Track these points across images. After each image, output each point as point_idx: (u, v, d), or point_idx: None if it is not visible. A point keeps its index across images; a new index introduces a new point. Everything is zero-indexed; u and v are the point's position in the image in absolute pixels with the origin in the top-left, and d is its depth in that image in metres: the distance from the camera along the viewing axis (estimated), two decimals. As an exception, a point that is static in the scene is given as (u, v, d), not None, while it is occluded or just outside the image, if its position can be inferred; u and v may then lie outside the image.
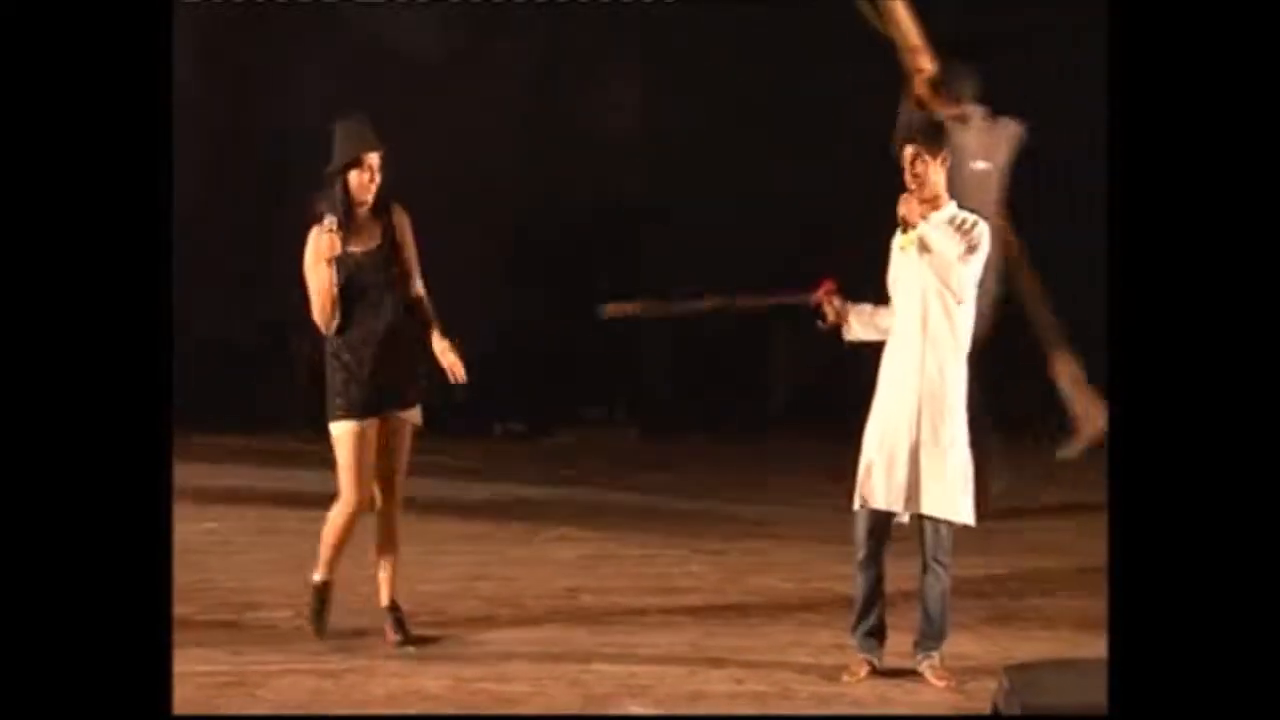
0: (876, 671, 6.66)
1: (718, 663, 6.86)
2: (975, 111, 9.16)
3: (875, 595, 6.69)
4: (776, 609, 7.60)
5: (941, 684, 6.57)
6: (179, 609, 7.38)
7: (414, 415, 7.07)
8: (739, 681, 6.66)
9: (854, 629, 6.73)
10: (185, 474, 9.69)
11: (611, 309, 8.16)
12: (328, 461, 7.19)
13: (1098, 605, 7.55)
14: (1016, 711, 5.50)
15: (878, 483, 6.62)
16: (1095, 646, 6.91)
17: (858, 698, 6.52)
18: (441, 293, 7.26)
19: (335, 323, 6.94)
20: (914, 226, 6.56)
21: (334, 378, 6.97)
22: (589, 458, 10.57)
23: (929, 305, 6.62)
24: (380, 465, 7.02)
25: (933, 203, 6.59)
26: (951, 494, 6.59)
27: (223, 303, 10.93)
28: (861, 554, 6.69)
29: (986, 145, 9.12)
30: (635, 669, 6.77)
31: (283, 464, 10.46)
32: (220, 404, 10.03)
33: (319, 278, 6.91)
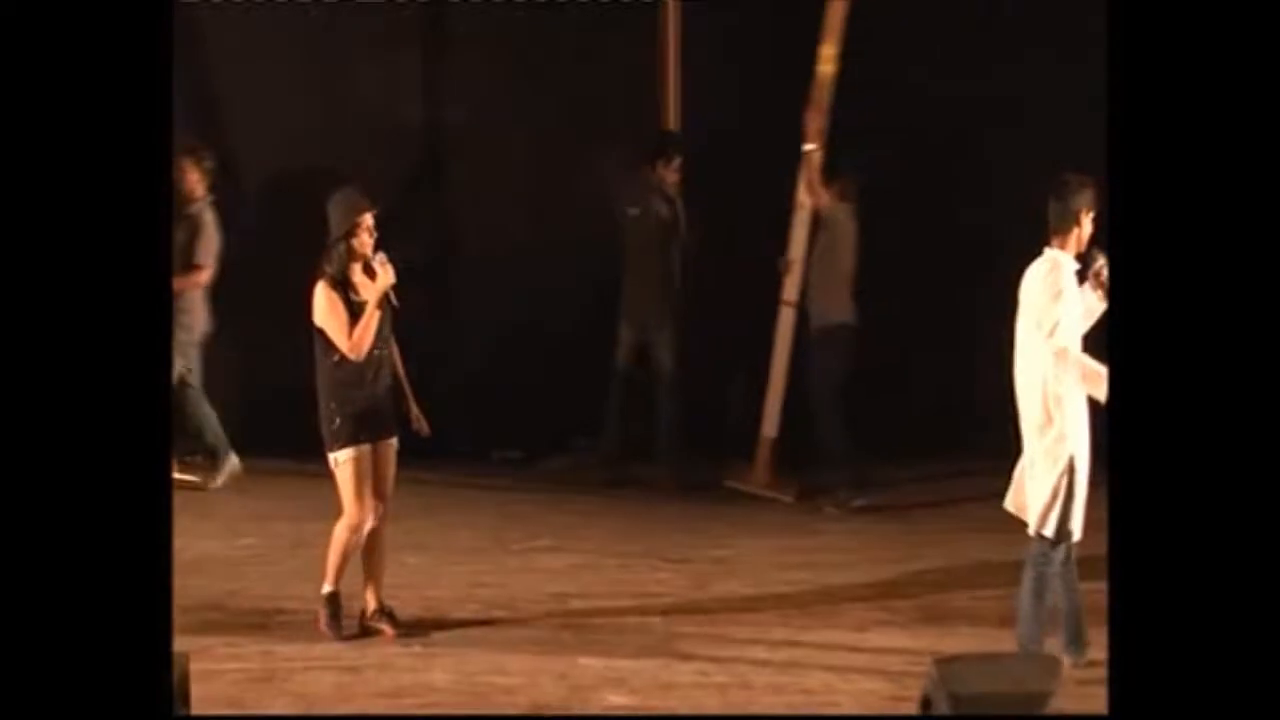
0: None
1: (686, 657, 6.89)
2: None
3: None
4: (737, 611, 7.60)
5: None
6: (215, 615, 7.30)
7: (395, 440, 7.18)
8: (704, 674, 6.68)
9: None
10: (226, 494, 9.55)
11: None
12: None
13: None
14: (944, 700, 5.48)
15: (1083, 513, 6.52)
16: (1015, 642, 6.93)
17: (808, 687, 6.52)
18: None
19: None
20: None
21: (340, 408, 7.02)
22: (577, 481, 10.40)
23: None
24: (374, 485, 7.08)
25: None
26: None
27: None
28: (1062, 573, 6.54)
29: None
30: (615, 663, 6.79)
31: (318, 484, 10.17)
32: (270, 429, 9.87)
33: (342, 319, 6.93)
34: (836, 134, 9.67)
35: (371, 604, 7.16)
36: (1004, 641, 6.87)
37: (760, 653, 6.91)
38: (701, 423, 10.21)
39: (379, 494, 7.11)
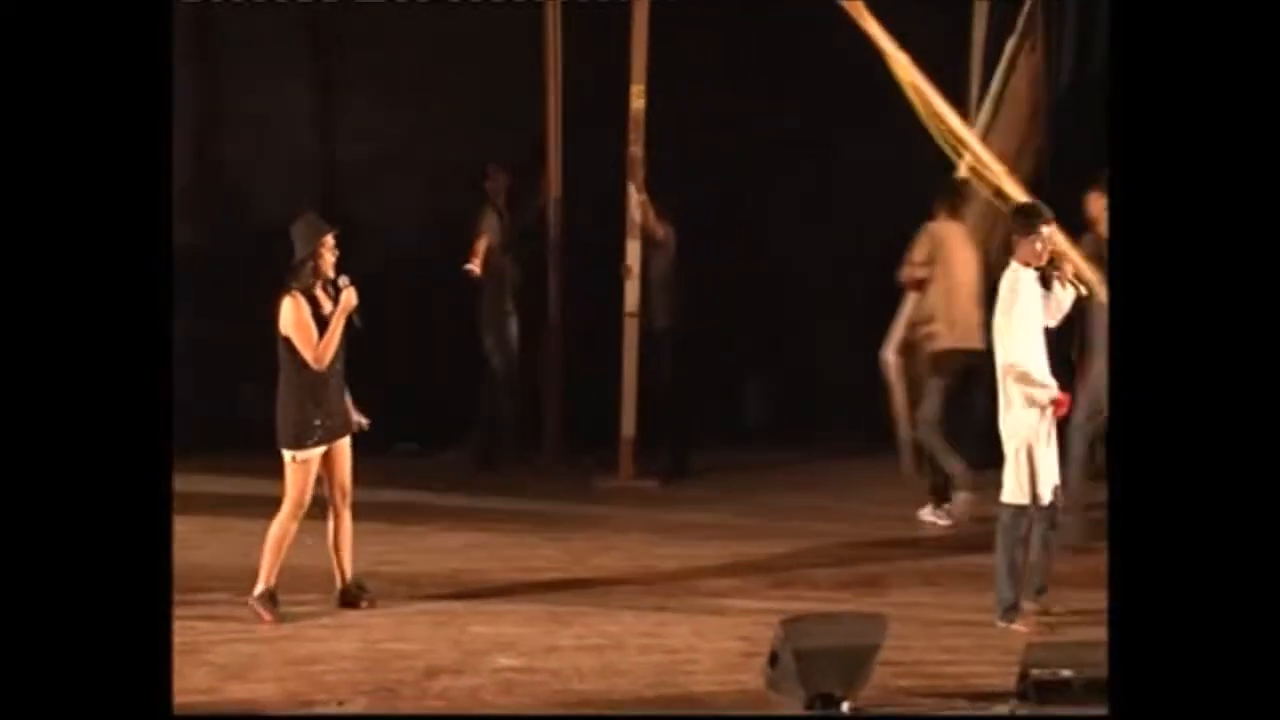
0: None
1: (566, 622, 7.07)
2: None
3: None
4: (612, 582, 7.81)
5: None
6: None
7: (348, 438, 7.37)
8: (582, 637, 6.87)
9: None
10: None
11: None
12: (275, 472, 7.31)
13: (850, 572, 7.91)
14: (789, 654, 5.76)
15: None
16: (849, 603, 7.33)
17: (672, 646, 6.76)
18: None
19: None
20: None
21: (307, 412, 7.17)
22: (471, 469, 10.56)
23: None
24: (339, 477, 7.30)
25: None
26: None
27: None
28: None
29: None
30: (503, 629, 6.96)
31: (231, 474, 9.84)
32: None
33: (311, 332, 7.12)
34: (662, 160, 10.14)
35: (340, 581, 7.33)
36: (840, 603, 7.26)
37: (631, 618, 7.14)
38: (580, 423, 10.50)
39: (343, 484, 7.31)
